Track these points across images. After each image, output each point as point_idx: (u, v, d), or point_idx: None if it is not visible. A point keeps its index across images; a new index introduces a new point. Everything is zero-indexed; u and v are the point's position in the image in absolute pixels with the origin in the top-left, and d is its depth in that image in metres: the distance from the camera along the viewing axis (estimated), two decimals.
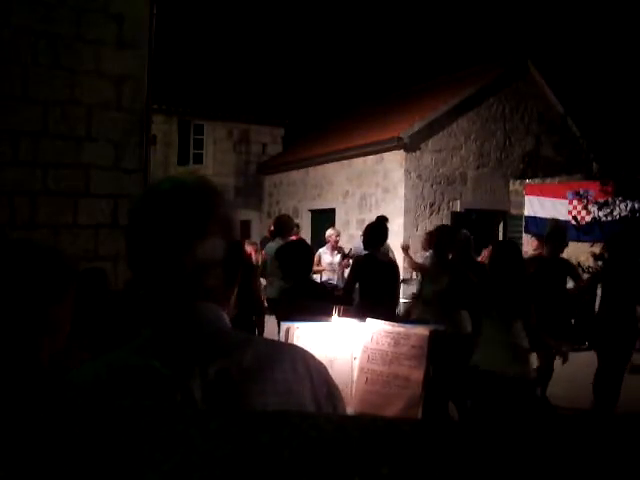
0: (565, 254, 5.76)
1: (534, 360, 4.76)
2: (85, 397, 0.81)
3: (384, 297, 4.84)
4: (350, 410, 1.75)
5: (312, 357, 0.94)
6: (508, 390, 3.83)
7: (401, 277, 7.45)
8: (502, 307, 3.99)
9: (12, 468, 0.87)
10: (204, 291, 0.90)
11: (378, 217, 5.89)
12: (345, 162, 13.21)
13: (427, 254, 7.40)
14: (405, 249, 7.19)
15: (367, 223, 11.46)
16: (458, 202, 12.36)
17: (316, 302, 3.04)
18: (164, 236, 0.88)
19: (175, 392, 0.79)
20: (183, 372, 0.81)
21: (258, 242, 9.67)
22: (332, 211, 13.51)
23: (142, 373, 0.81)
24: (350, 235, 12.05)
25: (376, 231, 5.39)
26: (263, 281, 7.15)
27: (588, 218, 8.60)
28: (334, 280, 7.82)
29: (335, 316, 1.93)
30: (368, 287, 4.92)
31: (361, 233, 8.50)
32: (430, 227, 11.15)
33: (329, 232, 8.25)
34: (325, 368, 0.95)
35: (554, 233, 5.66)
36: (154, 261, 0.89)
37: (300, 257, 3.88)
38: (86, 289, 4.02)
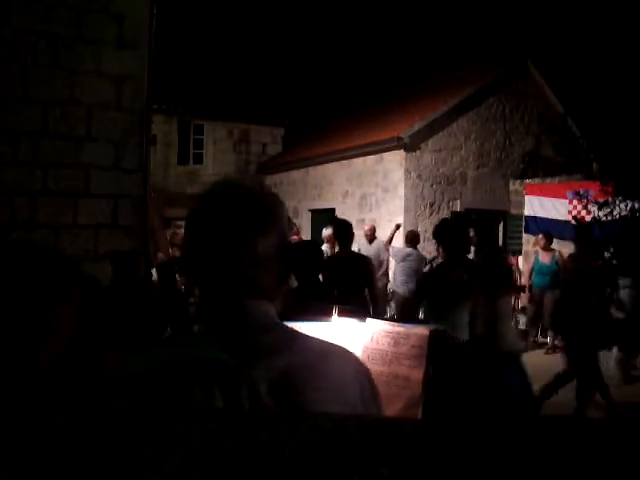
0: (566, 254, 5.79)
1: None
2: (143, 387, 0.84)
3: (353, 292, 4.83)
4: None
5: (357, 358, 0.98)
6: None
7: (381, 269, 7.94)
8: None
9: (8, 468, 0.87)
10: (259, 288, 0.94)
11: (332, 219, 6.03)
12: (345, 162, 13.21)
13: (408, 249, 8.15)
14: (396, 227, 8.62)
15: (367, 223, 11.44)
16: (458, 202, 12.36)
17: (323, 303, 3.03)
18: (227, 231, 0.92)
19: (241, 383, 0.83)
20: (247, 365, 0.85)
21: None
22: (332, 211, 13.50)
23: (210, 364, 0.85)
24: None
25: (336, 233, 5.40)
26: None
27: (588, 218, 8.60)
28: None
29: (335, 316, 1.93)
30: (337, 284, 4.92)
31: (364, 233, 8.59)
32: (430, 227, 11.16)
33: (328, 231, 8.21)
34: (368, 370, 0.99)
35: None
36: (216, 256, 0.92)
37: (311, 258, 3.85)
38: (120, 271, 4.16)
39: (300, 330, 0.98)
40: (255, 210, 0.93)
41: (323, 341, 0.98)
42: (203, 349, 0.88)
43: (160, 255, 9.06)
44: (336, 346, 0.98)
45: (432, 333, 1.83)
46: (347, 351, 0.98)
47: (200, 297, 0.96)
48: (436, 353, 1.75)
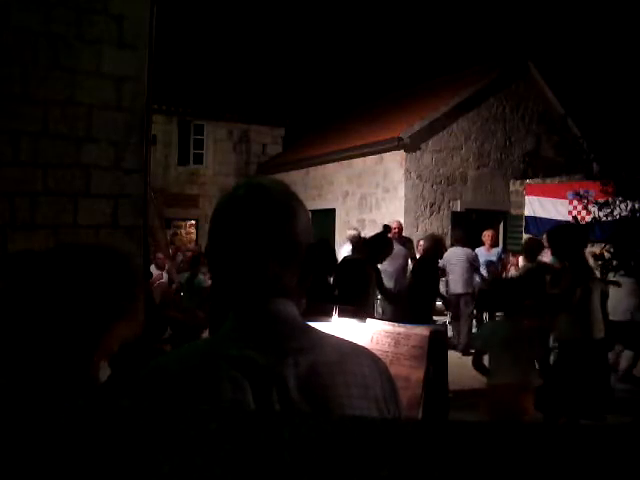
0: None
1: None
2: (175, 384, 0.86)
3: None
4: None
5: (378, 357, 1.02)
6: None
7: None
8: None
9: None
10: (283, 288, 0.95)
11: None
12: (345, 162, 13.21)
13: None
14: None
15: (367, 223, 11.43)
16: (458, 202, 12.36)
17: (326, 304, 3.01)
18: (252, 231, 0.92)
19: (271, 380, 0.85)
20: (277, 362, 0.87)
21: None
22: (332, 211, 13.51)
23: (240, 362, 0.87)
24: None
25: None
26: None
27: (588, 218, 8.60)
28: None
29: (335, 316, 1.93)
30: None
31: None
32: (430, 227, 11.17)
33: (352, 232, 8.38)
34: (387, 368, 1.02)
35: None
36: (241, 255, 0.93)
37: (323, 257, 3.73)
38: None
39: (323, 329, 1.00)
40: (279, 210, 0.94)
41: (346, 340, 1.01)
42: (232, 347, 0.89)
43: (159, 255, 9.06)
44: (359, 345, 1.02)
45: (432, 334, 1.82)
46: (369, 350, 1.02)
47: (223, 295, 0.97)
48: (436, 353, 1.75)
